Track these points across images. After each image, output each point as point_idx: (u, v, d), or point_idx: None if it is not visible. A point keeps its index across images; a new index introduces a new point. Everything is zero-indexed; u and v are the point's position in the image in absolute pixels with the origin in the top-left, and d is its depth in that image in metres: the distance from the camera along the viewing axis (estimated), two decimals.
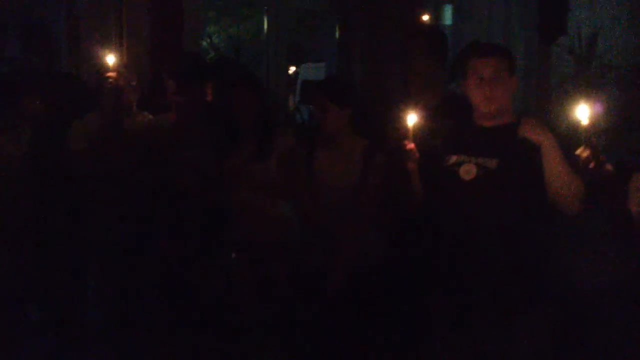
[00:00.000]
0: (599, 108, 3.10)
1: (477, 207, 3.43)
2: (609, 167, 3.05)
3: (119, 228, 4.65)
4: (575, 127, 3.05)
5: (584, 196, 3.30)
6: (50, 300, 4.79)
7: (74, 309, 4.83)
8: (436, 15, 9.13)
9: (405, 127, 3.58)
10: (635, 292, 3.74)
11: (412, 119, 3.57)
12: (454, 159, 3.51)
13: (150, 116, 4.92)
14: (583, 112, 3.01)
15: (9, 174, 4.58)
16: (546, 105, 7.25)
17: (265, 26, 7.93)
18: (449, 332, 3.62)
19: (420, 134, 3.63)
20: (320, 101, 4.16)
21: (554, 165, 3.31)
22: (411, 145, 3.55)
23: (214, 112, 4.55)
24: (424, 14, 7.35)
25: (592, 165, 2.98)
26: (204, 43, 8.81)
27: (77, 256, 4.76)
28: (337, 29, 8.24)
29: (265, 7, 7.91)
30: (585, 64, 7.05)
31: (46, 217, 4.63)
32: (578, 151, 3.01)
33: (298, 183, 4.23)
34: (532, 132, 3.34)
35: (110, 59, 4.65)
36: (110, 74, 4.62)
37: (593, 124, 3.00)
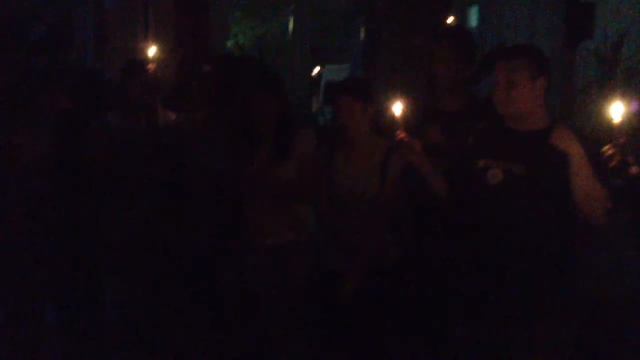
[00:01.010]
0: (634, 107, 3.07)
1: (503, 212, 3.42)
2: (635, 170, 3.03)
3: (137, 229, 4.66)
4: (605, 126, 3.03)
5: (608, 208, 3.28)
6: (67, 301, 4.78)
7: (90, 310, 4.82)
8: (462, 18, 9.12)
9: (394, 118, 3.57)
10: None
11: (398, 108, 3.55)
12: (482, 162, 3.49)
13: (173, 115, 4.93)
14: (617, 110, 3.00)
15: (30, 173, 4.58)
16: (570, 109, 7.21)
17: (291, 27, 7.99)
18: (468, 335, 3.61)
19: (413, 123, 3.63)
20: (345, 100, 4.17)
21: (580, 177, 3.28)
22: (402, 135, 3.55)
23: (236, 114, 4.55)
24: (449, 16, 7.34)
25: (614, 163, 2.97)
26: (230, 43, 8.84)
27: (94, 257, 4.76)
28: (362, 30, 8.25)
29: (291, 7, 7.93)
30: (611, 68, 7.01)
31: (65, 217, 4.63)
32: (604, 148, 3.00)
33: (317, 185, 4.24)
34: (561, 141, 3.31)
35: (152, 50, 4.68)
36: (150, 65, 4.65)
37: (624, 123, 2.98)
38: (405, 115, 3.54)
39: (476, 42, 4.67)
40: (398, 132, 3.55)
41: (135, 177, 4.65)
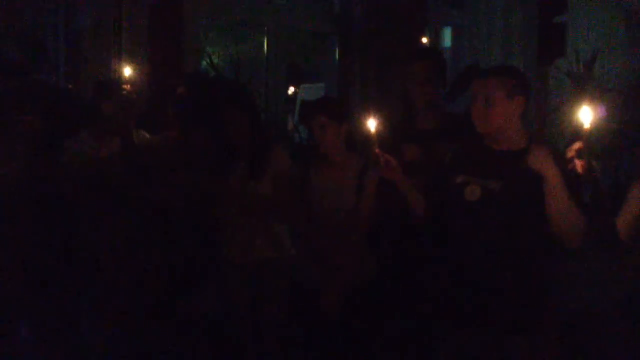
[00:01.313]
0: (602, 112, 3.09)
1: (480, 228, 3.42)
2: (595, 174, 3.07)
3: (112, 246, 4.63)
4: (575, 133, 3.05)
5: (584, 230, 3.29)
6: (41, 317, 4.74)
7: (65, 326, 4.78)
8: (436, 38, 9.18)
9: (369, 134, 3.58)
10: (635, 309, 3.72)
11: (372, 124, 3.56)
12: (460, 178, 3.49)
13: (147, 135, 4.91)
14: (586, 116, 3.02)
15: (2, 192, 4.54)
16: (544, 127, 7.27)
17: (265, 46, 7.96)
18: (447, 351, 3.60)
19: (390, 141, 3.64)
20: (320, 119, 4.18)
21: (556, 199, 3.27)
22: (376, 151, 3.55)
23: (210, 132, 4.55)
24: (423, 36, 7.39)
25: (581, 166, 3.01)
26: (204, 63, 8.82)
27: (68, 274, 4.72)
28: (337, 50, 8.27)
29: (265, 28, 7.93)
30: (584, 86, 7.08)
31: (38, 235, 4.59)
32: (571, 148, 3.03)
33: (294, 202, 4.23)
34: (537, 161, 3.31)
35: (127, 71, 4.67)
36: (126, 85, 4.64)
37: (593, 128, 3.01)
38: (379, 132, 3.55)
39: (450, 62, 4.71)
40: (373, 148, 3.56)
41: (110, 195, 4.62)
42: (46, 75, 5.11)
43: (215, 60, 10.28)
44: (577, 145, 3.08)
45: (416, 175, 3.75)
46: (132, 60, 5.69)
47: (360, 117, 3.78)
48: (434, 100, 4.29)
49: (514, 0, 9.30)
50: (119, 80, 4.73)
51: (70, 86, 6.16)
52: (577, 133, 3.05)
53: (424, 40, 7.33)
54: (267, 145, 4.45)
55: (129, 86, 4.67)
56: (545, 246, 3.38)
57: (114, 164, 4.68)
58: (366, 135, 3.60)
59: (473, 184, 3.43)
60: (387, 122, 3.66)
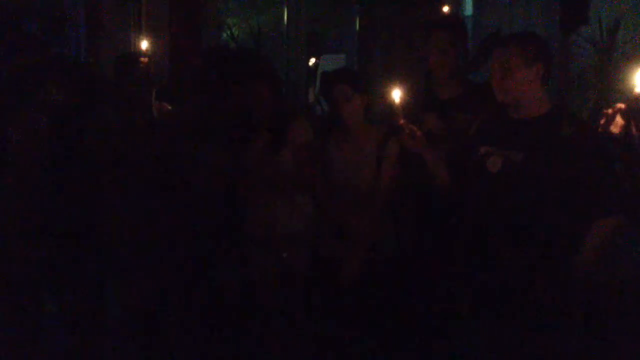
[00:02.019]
0: None
1: (502, 200, 3.40)
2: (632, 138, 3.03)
3: (136, 222, 4.64)
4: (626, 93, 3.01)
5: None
6: (68, 293, 4.77)
7: (91, 303, 4.81)
8: (457, 6, 9.09)
9: (393, 105, 3.56)
10: None
11: (397, 94, 3.55)
12: (482, 150, 3.48)
13: (169, 107, 4.91)
14: None
15: (27, 168, 4.56)
16: (567, 95, 7.19)
17: (285, 17, 7.93)
18: (468, 323, 3.61)
19: (411, 111, 3.63)
20: (343, 89, 4.16)
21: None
22: (402, 122, 3.54)
23: (231, 104, 4.54)
24: (444, 4, 7.31)
25: (620, 126, 2.98)
26: (224, 34, 8.80)
27: (93, 249, 4.75)
28: (357, 20, 8.22)
29: None
30: (607, 54, 6.99)
31: (63, 209, 4.62)
32: (614, 107, 3.00)
33: (314, 174, 4.23)
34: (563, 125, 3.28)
35: (144, 44, 4.68)
36: (143, 58, 4.65)
37: None
38: (404, 102, 3.54)
39: (472, 30, 4.67)
40: (398, 119, 3.54)
41: (132, 168, 4.63)
42: (67, 49, 5.11)
43: (236, 32, 10.25)
44: (621, 105, 3.03)
45: (437, 145, 3.74)
46: (153, 33, 5.68)
47: (382, 88, 3.76)
48: (454, 70, 4.27)
49: None
50: (136, 53, 4.72)
51: (90, 60, 6.17)
52: (600, 100, 3.03)
53: (445, 9, 7.25)
54: (289, 116, 4.44)
55: (146, 59, 4.67)
56: (570, 217, 3.34)
57: (136, 137, 4.70)
58: (390, 105, 3.60)
59: (495, 155, 3.42)
60: (408, 91, 3.64)
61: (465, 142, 3.61)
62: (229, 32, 8.79)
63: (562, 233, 3.36)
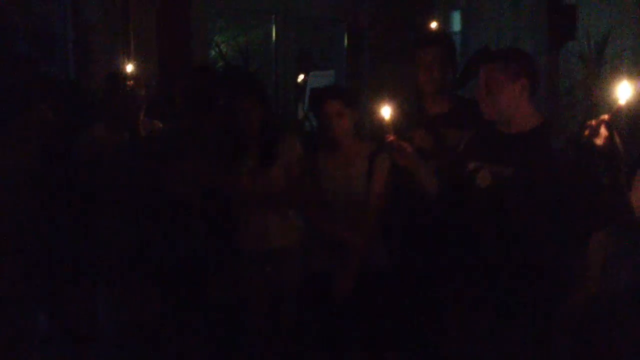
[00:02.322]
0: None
1: (492, 215, 3.40)
2: (616, 149, 3.04)
3: (126, 237, 4.65)
4: (607, 107, 3.02)
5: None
6: (59, 309, 4.77)
7: (82, 316, 4.81)
8: (445, 22, 9.13)
9: (383, 121, 3.57)
10: None
11: (386, 111, 3.56)
12: (472, 165, 3.48)
13: (160, 124, 4.92)
14: (624, 91, 2.99)
15: (16, 185, 4.55)
16: (556, 110, 7.22)
17: (274, 34, 7.94)
18: (458, 335, 3.60)
19: (401, 126, 3.66)
20: (334, 105, 4.16)
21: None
22: (391, 138, 3.54)
23: (221, 121, 4.55)
24: (432, 20, 7.34)
25: (604, 138, 2.98)
26: (213, 52, 8.80)
27: (85, 265, 4.75)
28: (345, 36, 8.24)
29: (273, 16, 7.91)
30: (595, 69, 7.03)
31: (54, 228, 4.61)
32: (598, 118, 3.01)
33: (304, 189, 4.23)
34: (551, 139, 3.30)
35: (129, 67, 4.70)
36: (129, 82, 4.67)
37: (628, 106, 2.98)
38: (394, 119, 3.55)
39: (460, 46, 4.68)
40: (388, 135, 3.55)
41: (122, 187, 4.63)
42: (56, 69, 5.11)
43: (224, 50, 10.26)
44: (605, 116, 3.04)
45: (426, 161, 3.74)
46: (141, 51, 5.69)
47: (370, 104, 3.77)
48: (443, 86, 4.28)
49: None
50: (124, 73, 4.76)
51: (79, 79, 6.17)
52: (588, 114, 3.03)
53: (433, 24, 7.28)
54: (278, 133, 4.45)
55: (132, 82, 4.70)
56: (560, 232, 3.34)
57: (125, 155, 4.71)
58: (380, 122, 3.60)
59: (484, 170, 3.42)
60: (397, 108, 3.65)
61: (455, 157, 3.61)
62: (217, 50, 8.78)
63: (553, 247, 3.35)
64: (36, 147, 4.64)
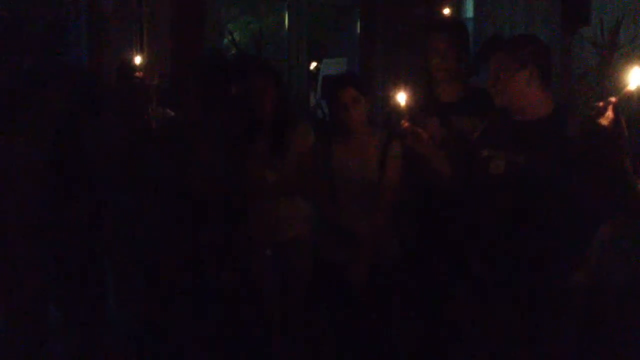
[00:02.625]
0: None
1: (505, 203, 3.41)
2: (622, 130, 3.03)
3: (138, 227, 4.66)
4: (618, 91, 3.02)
5: None
6: (71, 300, 4.79)
7: (94, 307, 4.83)
8: (458, 8, 9.09)
9: (399, 108, 3.58)
10: None
11: (402, 97, 3.57)
12: (485, 152, 3.48)
13: (172, 113, 4.93)
14: (635, 76, 2.98)
15: (29, 174, 4.57)
16: (569, 96, 7.19)
17: (286, 22, 7.94)
18: (473, 326, 3.61)
19: (415, 113, 3.65)
20: (350, 92, 4.16)
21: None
22: (406, 124, 3.56)
23: (234, 109, 4.55)
24: (445, 7, 7.31)
25: (610, 120, 2.98)
26: (226, 40, 8.81)
27: (95, 256, 4.77)
28: (358, 24, 8.23)
29: (286, 3, 7.90)
30: (608, 55, 6.98)
31: (64, 217, 4.63)
32: (607, 100, 3.00)
33: (317, 178, 4.23)
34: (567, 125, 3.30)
35: (137, 59, 4.72)
36: (138, 73, 4.69)
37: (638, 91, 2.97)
38: (409, 105, 3.56)
39: (473, 32, 4.67)
40: (403, 121, 3.55)
41: (134, 176, 4.65)
42: (67, 56, 5.12)
43: (237, 38, 10.26)
44: (613, 98, 3.04)
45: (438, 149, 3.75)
46: (155, 38, 5.71)
47: (383, 92, 3.78)
48: (454, 73, 4.27)
49: None
50: (132, 62, 4.78)
51: (92, 67, 6.18)
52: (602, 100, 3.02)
53: (447, 11, 7.25)
54: (291, 121, 4.45)
55: (141, 73, 4.72)
56: (573, 221, 3.33)
57: (137, 144, 4.72)
58: (395, 108, 3.61)
59: (498, 158, 3.42)
60: (411, 94, 3.66)
61: (469, 145, 3.62)
62: (230, 38, 8.79)
63: (565, 236, 3.34)
64: (49, 136, 4.65)
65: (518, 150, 3.37)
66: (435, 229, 4.14)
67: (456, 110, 4.16)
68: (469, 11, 9.72)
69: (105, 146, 4.69)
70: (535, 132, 3.37)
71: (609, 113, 3.04)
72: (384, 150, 4.19)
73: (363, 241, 4.15)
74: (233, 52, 8.36)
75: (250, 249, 4.43)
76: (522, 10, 9.25)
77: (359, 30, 8.22)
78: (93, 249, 4.71)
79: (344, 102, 4.16)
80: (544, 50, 3.46)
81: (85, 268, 4.69)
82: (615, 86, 3.18)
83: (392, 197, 4.17)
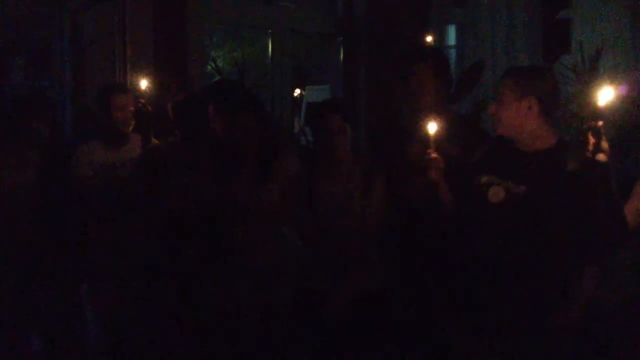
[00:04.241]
0: (623, 90, 3.09)
1: (502, 231, 3.41)
2: (601, 157, 3.06)
3: (123, 252, 4.65)
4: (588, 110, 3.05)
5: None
6: (51, 328, 4.76)
7: (72, 332, 4.80)
8: (440, 36, 9.15)
9: (427, 136, 3.60)
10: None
11: (432, 127, 3.59)
12: (484, 179, 3.49)
13: (155, 140, 4.93)
14: (605, 94, 3.03)
15: (15, 201, 4.56)
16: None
17: (270, 49, 7.95)
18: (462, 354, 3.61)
19: (442, 144, 3.67)
20: (335, 120, 4.16)
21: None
22: (434, 154, 3.57)
23: (217, 137, 4.55)
24: (428, 35, 7.36)
25: (591, 145, 3.01)
26: (209, 67, 8.82)
27: (78, 279, 4.75)
28: (341, 52, 8.26)
29: (269, 30, 7.92)
30: (589, 82, 7.05)
31: (51, 244, 4.61)
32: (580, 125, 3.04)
33: (301, 206, 4.22)
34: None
35: (143, 84, 4.74)
36: (141, 99, 4.72)
37: (607, 107, 3.01)
38: (437, 135, 3.56)
39: (455, 60, 4.69)
40: (429, 151, 3.57)
41: (120, 202, 4.63)
42: (52, 83, 5.13)
43: (220, 64, 10.27)
44: (592, 122, 3.07)
45: (420, 176, 3.76)
46: (137, 66, 5.71)
47: (365, 119, 3.80)
48: (435, 101, 4.28)
49: None
50: (113, 87, 4.80)
51: (76, 95, 6.19)
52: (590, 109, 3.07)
53: (429, 38, 7.30)
54: (276, 149, 4.45)
55: (143, 100, 4.76)
56: (571, 252, 3.33)
57: (125, 171, 4.73)
58: (424, 137, 3.65)
59: (497, 186, 3.43)
60: (391, 123, 3.68)
61: (468, 170, 3.63)
62: (213, 65, 8.80)
63: (561, 266, 3.36)
64: (35, 166, 4.65)
65: (519, 180, 3.37)
66: (423, 257, 4.12)
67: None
68: (451, 39, 9.80)
69: (92, 172, 4.69)
70: (537, 163, 3.39)
71: (590, 138, 3.07)
72: (367, 177, 4.18)
73: (347, 269, 4.12)
74: (216, 79, 8.37)
75: (233, 274, 4.40)
76: (503, 38, 9.33)
77: (342, 58, 8.25)
78: (75, 273, 4.69)
79: (329, 129, 4.16)
80: (548, 84, 3.46)
81: (68, 295, 4.67)
82: (596, 113, 3.20)
83: (377, 226, 4.17)
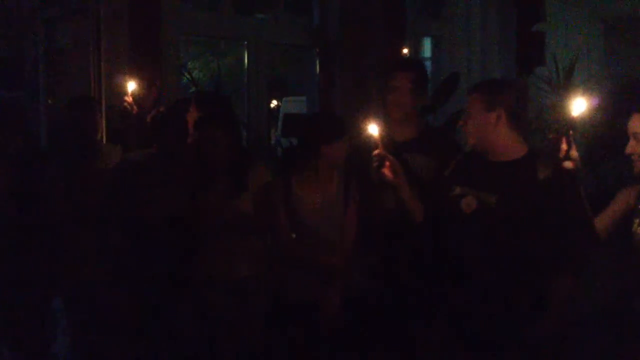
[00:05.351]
0: (594, 102, 3.14)
1: (475, 241, 3.43)
2: (570, 164, 3.10)
3: (90, 263, 4.62)
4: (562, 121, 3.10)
5: None
6: (20, 338, 4.71)
7: (41, 342, 4.76)
8: (416, 48, 9.20)
9: (372, 138, 3.61)
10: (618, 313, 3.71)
11: (374, 128, 3.59)
12: (457, 190, 3.51)
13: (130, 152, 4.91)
14: (578, 105, 3.07)
15: None
16: (525, 135, 7.28)
17: (246, 60, 7.95)
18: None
19: (389, 143, 3.68)
20: (343, 147, 4.14)
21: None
22: (380, 151, 3.58)
23: (192, 149, 4.54)
24: (403, 46, 7.41)
25: (562, 152, 3.04)
26: (184, 78, 8.81)
27: (49, 292, 4.72)
28: (317, 63, 8.28)
29: (245, 42, 7.93)
30: (564, 94, 7.12)
31: (22, 256, 4.57)
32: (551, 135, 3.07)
33: (277, 216, 4.21)
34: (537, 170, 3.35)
35: (131, 85, 4.73)
36: (127, 98, 4.70)
37: (579, 119, 3.04)
38: (382, 135, 3.57)
39: (431, 72, 4.72)
40: (377, 150, 3.57)
41: (92, 212, 4.61)
42: (25, 92, 5.09)
43: (197, 75, 10.28)
44: (564, 129, 3.11)
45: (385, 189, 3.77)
46: (112, 76, 5.69)
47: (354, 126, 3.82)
48: (411, 112, 4.30)
49: (492, 10, 9.37)
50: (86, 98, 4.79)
51: (49, 101, 6.14)
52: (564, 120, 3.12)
53: (405, 51, 7.35)
54: (247, 161, 4.44)
55: (130, 98, 4.74)
56: (544, 261, 3.34)
57: (98, 181, 4.70)
58: (368, 139, 3.64)
59: (470, 196, 3.45)
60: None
61: (441, 181, 3.64)
62: (188, 76, 8.78)
63: (535, 277, 3.36)
64: (8, 176, 4.61)
65: (491, 190, 3.40)
66: (399, 266, 4.13)
67: (410, 148, 4.17)
68: (427, 51, 9.86)
69: (63, 184, 4.66)
70: (508, 174, 3.42)
71: (563, 145, 3.12)
72: (345, 184, 4.19)
73: (332, 276, 4.13)
74: (192, 90, 8.37)
75: (205, 286, 4.38)
76: (478, 50, 9.41)
77: (318, 70, 8.26)
78: (46, 285, 4.65)
79: (336, 157, 4.14)
80: (513, 96, 3.53)
81: (39, 307, 4.63)
82: (571, 125, 3.26)
83: (356, 232, 4.17)
